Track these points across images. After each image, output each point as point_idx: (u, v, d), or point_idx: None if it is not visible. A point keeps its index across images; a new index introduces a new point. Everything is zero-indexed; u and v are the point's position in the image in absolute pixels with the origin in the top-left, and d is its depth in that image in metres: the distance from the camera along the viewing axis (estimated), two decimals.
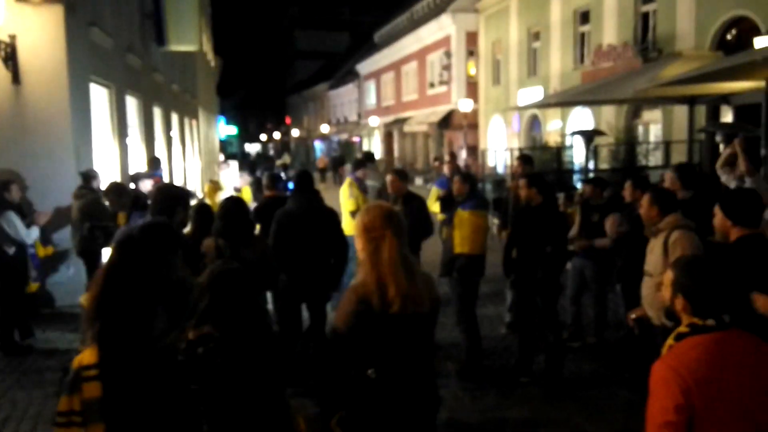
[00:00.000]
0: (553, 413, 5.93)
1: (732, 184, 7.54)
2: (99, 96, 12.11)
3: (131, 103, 14.50)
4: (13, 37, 9.25)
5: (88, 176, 9.19)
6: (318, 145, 65.94)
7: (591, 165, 17.90)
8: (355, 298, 3.05)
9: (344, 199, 9.21)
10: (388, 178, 8.09)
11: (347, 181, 9.48)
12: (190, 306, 3.15)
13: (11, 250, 7.86)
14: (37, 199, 9.38)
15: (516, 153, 19.97)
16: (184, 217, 5.18)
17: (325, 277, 6.39)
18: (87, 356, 3.14)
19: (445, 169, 11.57)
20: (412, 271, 3.11)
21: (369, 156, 13.59)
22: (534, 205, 6.58)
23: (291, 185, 10.73)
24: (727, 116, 15.59)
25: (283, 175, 16.46)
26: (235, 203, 5.61)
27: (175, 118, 20.40)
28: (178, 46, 16.86)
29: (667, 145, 17.57)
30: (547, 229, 6.43)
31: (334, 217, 6.63)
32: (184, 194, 5.47)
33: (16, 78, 9.38)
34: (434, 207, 8.69)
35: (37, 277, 8.80)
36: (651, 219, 5.03)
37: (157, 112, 17.51)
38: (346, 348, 3.08)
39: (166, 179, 14.75)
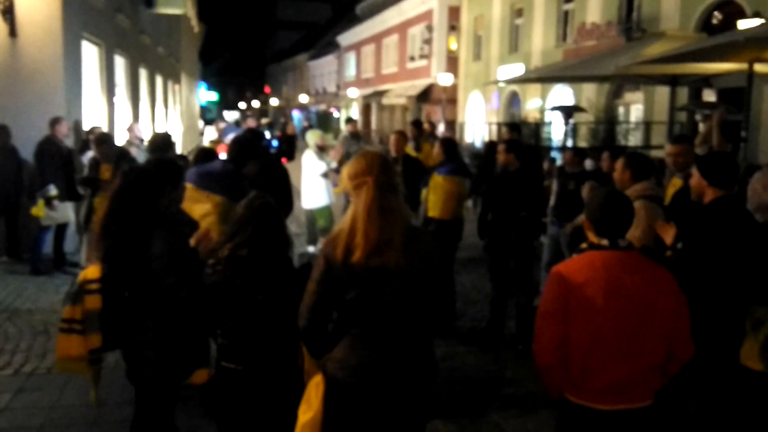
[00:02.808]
0: (522, 371, 6.03)
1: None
2: (89, 53, 12.17)
3: (119, 63, 14.57)
4: None
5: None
6: (296, 114, 65.80)
7: (569, 142, 18.16)
8: (321, 256, 2.99)
9: None
10: (392, 137, 8.25)
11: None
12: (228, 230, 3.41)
13: None
14: (25, 149, 9.31)
15: (495, 127, 20.28)
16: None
17: None
18: (91, 271, 3.48)
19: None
20: (391, 222, 2.90)
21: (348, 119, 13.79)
22: (511, 170, 6.66)
23: (275, 143, 11.06)
24: (710, 99, 15.73)
25: (267, 133, 16.70)
26: (206, 153, 5.79)
27: (159, 80, 20.43)
28: (165, 9, 17.00)
29: (647, 125, 17.81)
30: (523, 195, 6.52)
31: (278, 170, 6.67)
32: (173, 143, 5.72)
33: (12, 31, 9.45)
34: None
35: None
36: (623, 183, 5.00)
37: (143, 73, 17.57)
38: (318, 307, 3.01)
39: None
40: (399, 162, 7.80)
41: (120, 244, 3.46)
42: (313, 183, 10.00)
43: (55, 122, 9.00)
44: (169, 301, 3.40)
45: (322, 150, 10.25)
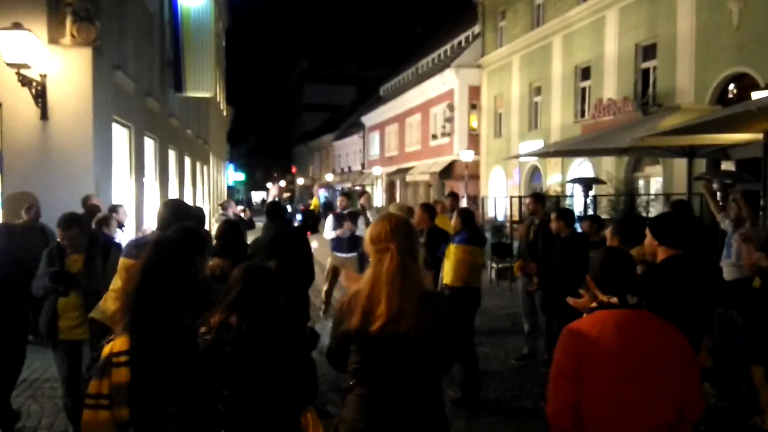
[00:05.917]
0: None
1: (725, 224, 7.92)
2: (119, 135, 12.60)
3: (148, 144, 15.04)
4: (44, 77, 9.79)
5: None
6: (322, 192, 66.79)
7: (590, 213, 18.18)
8: (336, 316, 3.06)
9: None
10: (417, 211, 8.48)
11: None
12: (219, 297, 3.32)
13: None
14: (53, 228, 9.58)
15: (516, 200, 20.45)
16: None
17: (295, 301, 6.42)
18: (118, 344, 3.39)
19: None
20: (410, 290, 2.93)
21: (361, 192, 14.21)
22: (563, 236, 7.69)
23: (300, 217, 11.36)
24: (729, 169, 15.74)
25: (289, 207, 17.14)
26: (232, 226, 5.83)
27: (187, 161, 20.96)
28: (194, 92, 17.50)
29: (667, 197, 17.82)
30: (579, 256, 6.80)
31: (301, 240, 6.95)
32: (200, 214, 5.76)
33: (44, 114, 9.88)
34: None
35: None
36: None
37: (172, 154, 18.08)
38: (336, 363, 3.10)
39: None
40: (424, 234, 7.97)
41: (152, 314, 3.41)
42: None
43: (86, 200, 9.27)
44: (196, 369, 3.30)
45: None
